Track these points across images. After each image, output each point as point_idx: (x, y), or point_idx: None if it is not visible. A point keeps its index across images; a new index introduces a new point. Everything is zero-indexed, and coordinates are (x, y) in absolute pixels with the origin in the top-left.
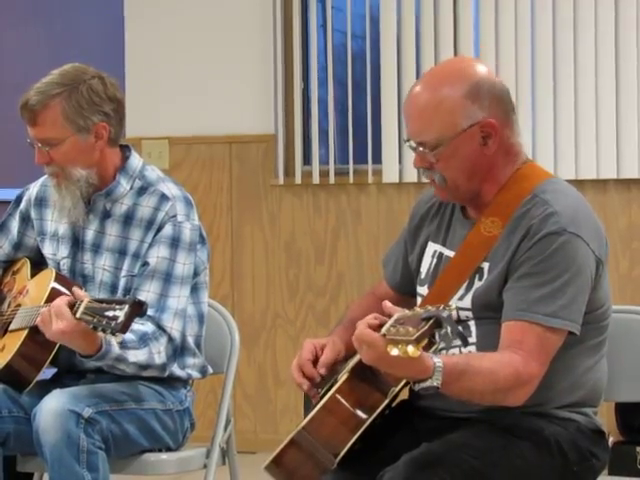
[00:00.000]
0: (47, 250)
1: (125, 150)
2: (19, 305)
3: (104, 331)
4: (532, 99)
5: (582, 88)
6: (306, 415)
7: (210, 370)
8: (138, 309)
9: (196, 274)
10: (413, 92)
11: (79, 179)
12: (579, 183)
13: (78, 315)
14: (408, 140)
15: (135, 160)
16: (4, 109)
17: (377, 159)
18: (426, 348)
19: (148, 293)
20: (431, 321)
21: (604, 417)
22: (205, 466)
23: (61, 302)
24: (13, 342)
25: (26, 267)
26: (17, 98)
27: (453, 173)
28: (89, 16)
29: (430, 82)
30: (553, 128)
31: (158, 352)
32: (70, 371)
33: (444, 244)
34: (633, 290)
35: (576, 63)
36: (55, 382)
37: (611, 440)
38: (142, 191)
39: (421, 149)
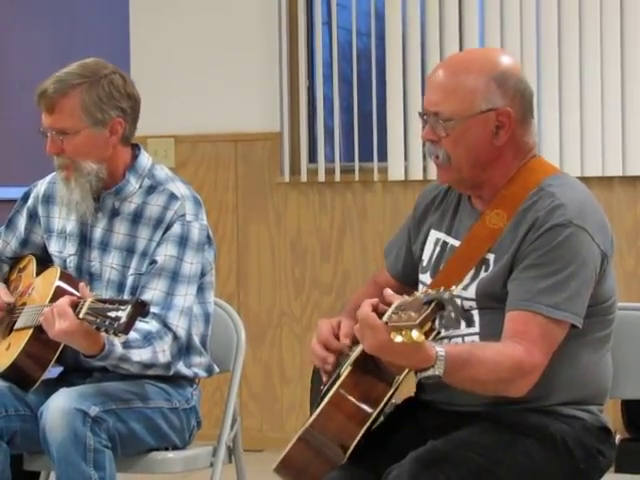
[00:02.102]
0: (53, 248)
1: (135, 149)
2: (25, 303)
3: (107, 331)
4: (537, 96)
5: (587, 85)
6: (312, 412)
7: (216, 369)
8: (141, 309)
9: (203, 274)
10: (442, 64)
11: (89, 172)
12: (585, 180)
13: (81, 315)
14: (423, 112)
15: (144, 159)
16: (10, 107)
17: (383, 157)
18: (428, 332)
19: (155, 291)
20: (433, 304)
21: (610, 414)
22: (212, 464)
23: (64, 302)
24: (18, 341)
25: (32, 264)
26: (23, 97)
27: (458, 152)
28: (95, 15)
29: (462, 58)
30: (559, 125)
31: (162, 351)
32: (76, 370)
33: (449, 233)
34: (639, 287)
35: (581, 60)
36: (61, 381)
37: (617, 438)
38: (151, 190)
39: (434, 119)
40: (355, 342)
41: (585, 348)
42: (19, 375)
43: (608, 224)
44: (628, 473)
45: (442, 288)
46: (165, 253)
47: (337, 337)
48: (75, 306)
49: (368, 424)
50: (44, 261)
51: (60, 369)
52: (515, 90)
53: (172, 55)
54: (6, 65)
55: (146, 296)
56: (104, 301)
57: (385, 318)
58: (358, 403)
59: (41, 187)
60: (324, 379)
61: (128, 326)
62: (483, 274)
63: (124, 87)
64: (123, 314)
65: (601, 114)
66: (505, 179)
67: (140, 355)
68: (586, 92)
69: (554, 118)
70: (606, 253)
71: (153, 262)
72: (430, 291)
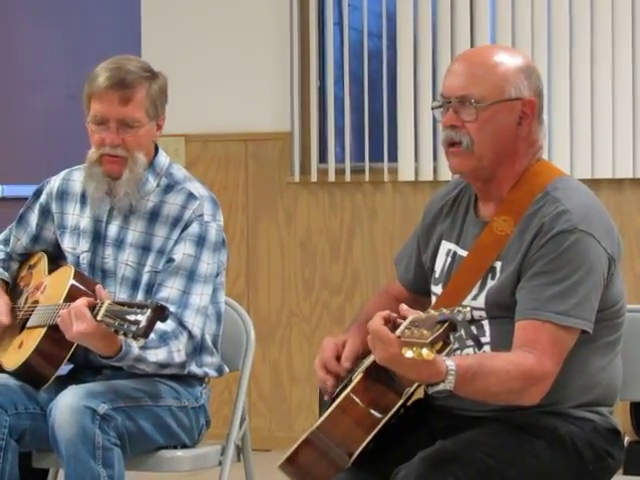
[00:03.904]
0: (67, 244)
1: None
2: (36, 301)
3: (125, 335)
4: (548, 98)
5: (598, 87)
6: (321, 413)
7: (226, 369)
8: (160, 314)
9: (216, 274)
10: (465, 54)
11: (141, 164)
12: (595, 182)
13: (99, 317)
14: (443, 98)
15: (162, 158)
16: (22, 106)
17: (393, 157)
18: (440, 349)
19: (172, 289)
20: (446, 324)
21: (619, 417)
22: (220, 463)
23: (81, 303)
24: (31, 340)
25: (43, 262)
26: (34, 96)
27: (483, 138)
28: (106, 14)
29: (487, 49)
30: (569, 127)
31: (178, 350)
32: (86, 367)
33: (457, 243)
34: None
35: (592, 62)
36: (71, 378)
37: (626, 440)
38: (169, 189)
39: (458, 103)
40: (365, 353)
41: (595, 353)
42: (31, 374)
43: (615, 227)
44: (636, 475)
45: (457, 308)
46: (183, 252)
47: (340, 357)
48: (92, 308)
49: (375, 431)
50: (55, 258)
51: (70, 366)
52: (537, 85)
53: (183, 55)
54: (18, 64)
55: (162, 294)
56: (122, 304)
57: (398, 332)
58: (367, 409)
59: (55, 183)
60: (325, 397)
61: (148, 330)
62: (490, 282)
63: None
64: (143, 318)
65: (612, 116)
66: (514, 178)
67: (156, 355)
68: (597, 94)
69: (565, 120)
70: (613, 257)
71: (170, 260)
72: (444, 310)
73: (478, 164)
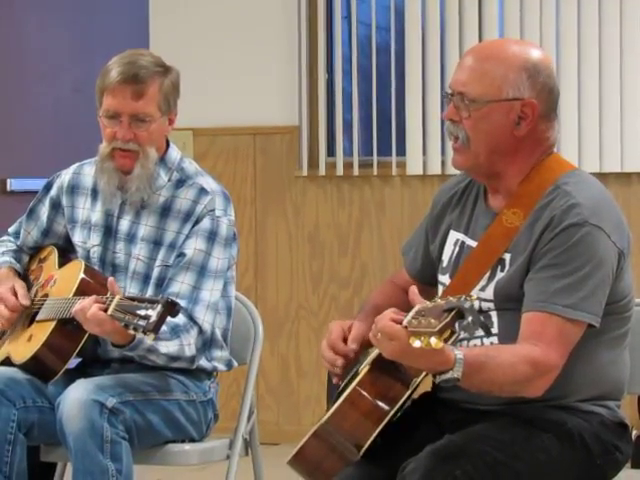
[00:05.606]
0: (77, 238)
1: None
2: (46, 295)
3: (135, 330)
4: None
5: (606, 81)
6: (328, 406)
7: (235, 363)
8: (171, 309)
9: (226, 269)
10: (475, 48)
11: (153, 159)
12: (603, 176)
13: (109, 312)
14: (449, 91)
15: (174, 152)
16: (28, 100)
17: (401, 151)
18: (448, 338)
19: (182, 284)
20: (453, 312)
21: (626, 410)
22: (228, 457)
23: (90, 304)
24: (40, 333)
25: (54, 255)
26: (41, 91)
27: (478, 136)
28: (113, 8)
29: (497, 44)
30: (577, 120)
31: (189, 344)
32: (95, 361)
33: (466, 233)
34: None
35: (601, 56)
36: (80, 372)
37: (634, 433)
38: (180, 184)
39: (458, 99)
40: (367, 346)
41: (602, 346)
42: (40, 367)
43: (624, 221)
44: None
45: (463, 296)
46: (194, 247)
47: (346, 340)
48: (101, 303)
49: (384, 424)
50: (65, 251)
51: (78, 360)
52: (544, 84)
53: (191, 48)
54: (25, 58)
55: (173, 289)
56: (132, 299)
57: (405, 322)
58: (374, 402)
59: (65, 177)
60: (334, 380)
61: (158, 326)
62: (500, 274)
63: None
64: (153, 313)
65: (620, 109)
66: (522, 174)
67: (167, 347)
68: (605, 87)
69: (573, 113)
70: (623, 251)
71: (181, 255)
72: (451, 298)
73: (475, 161)
